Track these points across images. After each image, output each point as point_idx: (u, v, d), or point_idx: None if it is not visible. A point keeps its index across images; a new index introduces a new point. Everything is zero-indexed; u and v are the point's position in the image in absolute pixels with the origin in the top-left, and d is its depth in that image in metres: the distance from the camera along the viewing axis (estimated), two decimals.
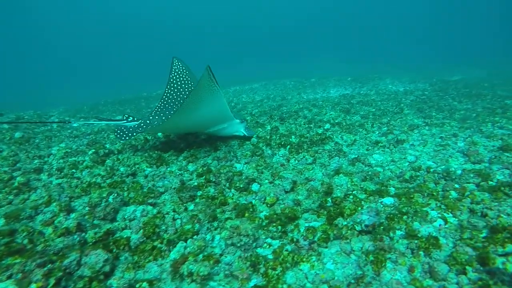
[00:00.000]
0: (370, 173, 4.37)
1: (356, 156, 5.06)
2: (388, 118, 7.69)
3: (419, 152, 5.32)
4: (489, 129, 6.39)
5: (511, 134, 5.90)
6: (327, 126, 6.83)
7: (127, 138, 5.12)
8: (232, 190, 4.02)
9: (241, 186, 3.98)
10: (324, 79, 19.66)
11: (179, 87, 6.01)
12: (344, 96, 13.13)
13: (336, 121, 7.65)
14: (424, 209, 3.34)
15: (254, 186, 4.07)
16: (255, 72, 30.09)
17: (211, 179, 4.21)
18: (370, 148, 5.56)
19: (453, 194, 3.67)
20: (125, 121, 5.41)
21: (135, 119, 5.46)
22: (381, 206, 3.52)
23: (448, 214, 3.30)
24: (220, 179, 4.19)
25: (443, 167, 4.46)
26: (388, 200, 3.58)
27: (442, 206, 3.43)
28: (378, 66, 26.20)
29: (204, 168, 4.73)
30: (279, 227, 3.01)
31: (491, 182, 3.98)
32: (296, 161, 5.03)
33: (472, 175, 4.08)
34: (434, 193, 3.71)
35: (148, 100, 18.20)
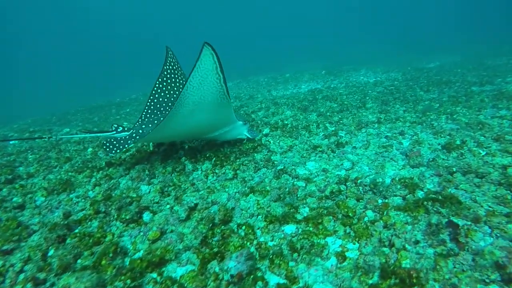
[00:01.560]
0: (287, 189, 3.78)
1: (283, 167, 4.46)
2: (340, 116, 7.11)
3: (359, 156, 4.75)
4: (441, 123, 5.84)
5: (460, 128, 5.35)
6: (266, 130, 6.22)
7: (118, 151, 4.46)
8: (118, 222, 3.40)
9: (127, 217, 3.36)
10: (299, 73, 19.07)
11: (172, 84, 5.32)
12: (312, 91, 12.55)
13: (285, 122, 7.06)
14: (325, 240, 2.76)
15: (146, 216, 3.47)
16: (234, 68, 29.37)
17: (100, 209, 3.59)
18: (306, 155, 4.97)
19: (370, 214, 3.10)
20: (115, 132, 4.70)
21: (126, 129, 4.77)
22: (281, 236, 2.93)
23: (354, 244, 2.72)
24: (110, 208, 3.58)
25: (372, 177, 3.88)
26: (290, 229, 3.00)
27: (351, 233, 2.85)
28: (361, 56, 25.57)
29: (107, 193, 4.12)
30: (128, 280, 2.40)
31: (420, 192, 3.44)
32: (215, 177, 4.43)
33: (399, 186, 3.51)
34: (350, 214, 3.14)
35: (119, 106, 17.48)
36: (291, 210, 3.28)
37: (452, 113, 6.55)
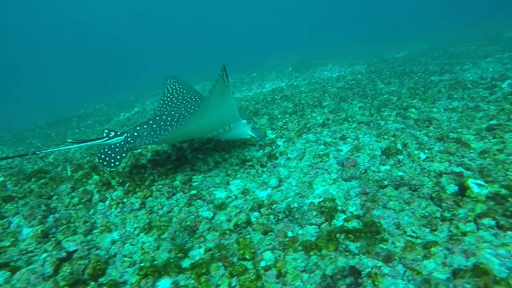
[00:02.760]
0: (188, 223, 3.16)
1: (196, 191, 3.85)
2: (287, 119, 6.54)
3: (291, 170, 4.18)
4: (388, 122, 5.33)
5: (405, 128, 4.85)
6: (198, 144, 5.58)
7: (117, 163, 3.92)
8: None
9: None
10: (266, 71, 18.42)
11: (174, 100, 5.49)
12: (274, 90, 12.01)
13: None
14: None
15: (1, 276, 2.77)
16: (205, 70, 28.51)
17: None
18: (232, 172, 4.36)
19: (267, 257, 2.51)
20: (107, 139, 4.18)
21: (118, 133, 4.24)
22: None
23: None
24: None
25: (289, 200, 3.30)
26: (164, 284, 2.37)
27: None
28: (332, 50, 25.00)
29: None
30: None
31: (341, 217, 2.89)
32: (119, 208, 3.78)
33: (315, 213, 2.93)
34: (248, 256, 2.55)
35: (82, 118, 16.56)
36: (179, 255, 2.66)
37: (406, 107, 6.08)
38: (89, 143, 4.31)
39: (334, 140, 4.88)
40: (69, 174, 5.25)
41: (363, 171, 3.67)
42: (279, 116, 7.23)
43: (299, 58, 21.77)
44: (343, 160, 4.14)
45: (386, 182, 3.29)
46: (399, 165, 3.72)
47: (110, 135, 4.24)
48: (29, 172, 5.64)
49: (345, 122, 5.77)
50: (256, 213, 3.20)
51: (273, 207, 3.19)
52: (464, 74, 8.16)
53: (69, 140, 4.33)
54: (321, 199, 3.21)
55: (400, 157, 3.88)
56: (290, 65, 18.62)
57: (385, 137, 4.64)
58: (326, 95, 9.02)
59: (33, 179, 5.23)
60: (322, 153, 4.47)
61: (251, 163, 4.50)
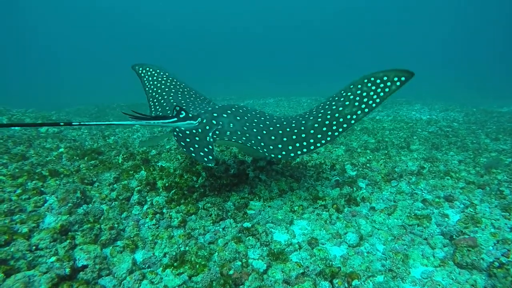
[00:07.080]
0: (232, 271, 2.31)
1: (251, 225, 3.00)
2: (371, 157, 5.44)
3: (376, 226, 3.15)
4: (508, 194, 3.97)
5: None
6: (262, 163, 4.73)
7: (210, 157, 2.81)
8: None
9: None
10: None
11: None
12: None
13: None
14: None
15: None
16: (279, 86, 28.13)
17: None
18: (298, 208, 3.45)
19: None
20: (176, 119, 3.16)
21: (190, 115, 3.24)
22: None
23: None
24: None
25: (379, 278, 2.27)
26: None
27: None
28: (420, 90, 22.85)
29: None
30: None
31: None
32: (154, 220, 3.11)
33: None
34: None
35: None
36: None
37: None
38: (151, 121, 3.20)
39: (436, 199, 3.70)
40: (120, 162, 4.79)
41: (496, 263, 2.47)
42: (358, 150, 6.17)
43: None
44: (453, 232, 2.98)
45: None
46: None
47: (181, 116, 3.20)
48: (86, 149, 5.35)
49: (447, 177, 4.52)
50: (326, 284, 2.22)
51: (353, 283, 2.18)
52: None
53: (133, 113, 2.99)
54: None
55: None
56: None
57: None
58: (415, 137, 7.70)
59: (86, 158, 4.86)
60: (420, 213, 3.34)
61: (323, 203, 3.53)
